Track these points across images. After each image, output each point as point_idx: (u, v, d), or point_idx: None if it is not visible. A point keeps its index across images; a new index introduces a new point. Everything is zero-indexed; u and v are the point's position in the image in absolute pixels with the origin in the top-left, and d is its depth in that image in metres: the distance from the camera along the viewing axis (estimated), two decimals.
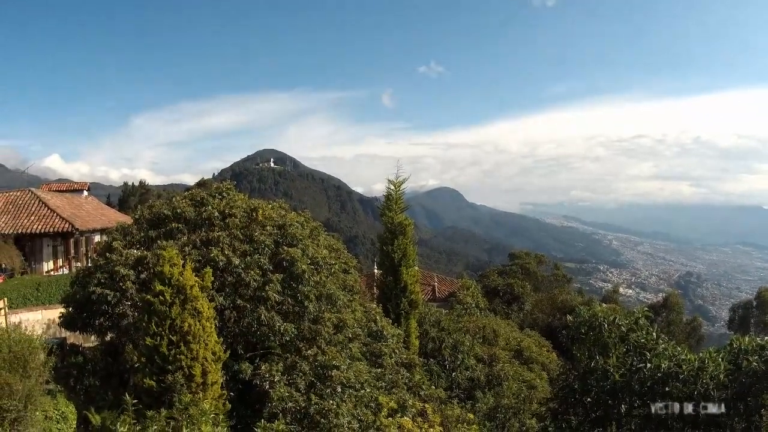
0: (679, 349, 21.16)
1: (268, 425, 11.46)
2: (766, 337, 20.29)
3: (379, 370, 17.09)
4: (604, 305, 27.73)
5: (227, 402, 12.28)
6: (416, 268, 25.60)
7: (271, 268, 15.45)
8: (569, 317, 21.61)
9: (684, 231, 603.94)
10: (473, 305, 38.49)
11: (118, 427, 9.03)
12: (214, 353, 11.77)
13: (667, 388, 18.67)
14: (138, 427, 9.35)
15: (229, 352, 12.88)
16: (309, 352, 14.60)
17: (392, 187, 24.18)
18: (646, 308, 22.33)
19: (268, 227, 16.56)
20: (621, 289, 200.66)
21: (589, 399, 20.17)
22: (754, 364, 18.59)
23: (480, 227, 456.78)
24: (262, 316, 14.57)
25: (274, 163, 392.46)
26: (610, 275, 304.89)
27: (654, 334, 20.77)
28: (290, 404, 12.98)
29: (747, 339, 20.23)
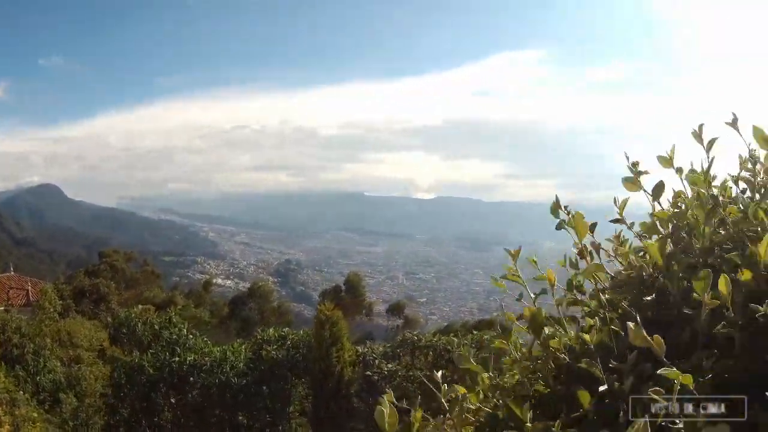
0: (209, 343, 26.84)
1: None
2: (286, 328, 26.64)
3: None
4: (140, 306, 31.75)
5: None
6: None
7: None
8: (109, 319, 25.65)
9: (283, 220, 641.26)
10: (51, 309, 40.12)
11: None
12: None
13: (192, 378, 23.69)
14: None
15: None
16: None
17: None
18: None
19: None
20: (220, 280, 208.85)
21: (134, 392, 24.38)
22: (273, 353, 24.42)
23: (81, 224, 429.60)
24: None
25: None
26: (208, 267, 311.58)
27: (185, 330, 25.79)
28: None
29: (271, 330, 26.27)
